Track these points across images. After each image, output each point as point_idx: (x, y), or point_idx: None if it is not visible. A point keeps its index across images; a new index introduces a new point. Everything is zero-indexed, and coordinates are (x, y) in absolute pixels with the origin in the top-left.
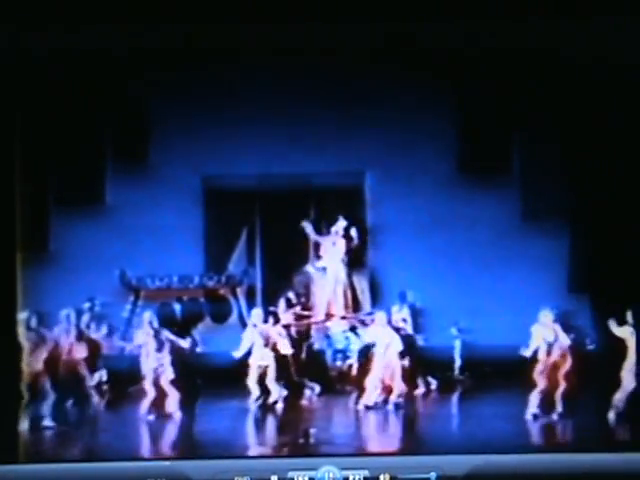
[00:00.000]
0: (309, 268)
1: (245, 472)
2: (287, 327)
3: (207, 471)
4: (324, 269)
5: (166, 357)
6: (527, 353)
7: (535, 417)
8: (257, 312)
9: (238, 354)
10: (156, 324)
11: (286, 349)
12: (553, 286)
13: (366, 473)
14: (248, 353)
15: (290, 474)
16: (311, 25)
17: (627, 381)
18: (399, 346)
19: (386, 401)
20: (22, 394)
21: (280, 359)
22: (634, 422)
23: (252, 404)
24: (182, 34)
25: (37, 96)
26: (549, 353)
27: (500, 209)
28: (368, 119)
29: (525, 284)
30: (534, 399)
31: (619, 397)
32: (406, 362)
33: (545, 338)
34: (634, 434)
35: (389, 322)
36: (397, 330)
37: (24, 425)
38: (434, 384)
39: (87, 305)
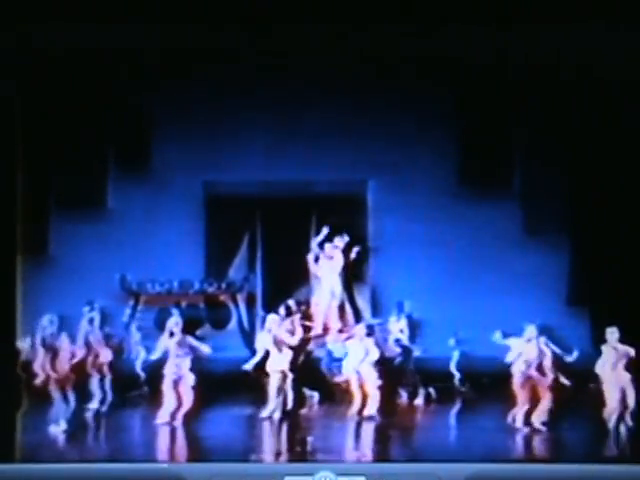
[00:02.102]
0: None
1: (241, 476)
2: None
3: (204, 474)
4: (320, 282)
5: (186, 363)
6: (519, 366)
7: (531, 429)
8: (273, 317)
9: (250, 364)
10: (178, 328)
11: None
12: (552, 301)
13: (363, 479)
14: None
15: (286, 479)
16: (316, 31)
17: (620, 395)
18: (374, 356)
19: (379, 412)
20: (21, 397)
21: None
22: (628, 435)
23: (265, 411)
24: (184, 38)
25: (39, 99)
26: (541, 366)
27: (501, 222)
28: (371, 128)
29: (524, 298)
30: (530, 411)
31: (614, 411)
32: (400, 373)
33: (532, 352)
34: (628, 447)
35: (368, 335)
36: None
37: (21, 428)
38: (432, 395)
39: (86, 309)
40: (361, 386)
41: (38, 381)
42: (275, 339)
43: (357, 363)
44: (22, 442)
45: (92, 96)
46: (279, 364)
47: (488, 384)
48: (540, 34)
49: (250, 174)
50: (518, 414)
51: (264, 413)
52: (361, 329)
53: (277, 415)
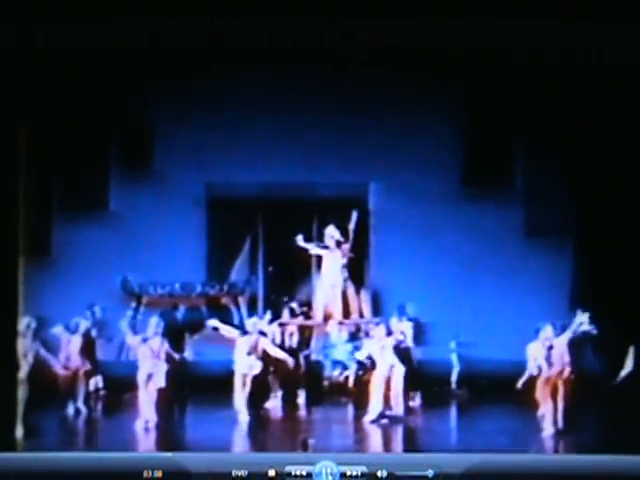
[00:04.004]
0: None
1: (243, 465)
2: (283, 325)
3: (205, 464)
4: (321, 275)
5: (162, 365)
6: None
7: (533, 432)
8: (253, 321)
9: None
10: (160, 330)
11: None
12: (555, 302)
13: (364, 469)
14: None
15: (288, 468)
16: (317, 32)
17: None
18: (401, 370)
19: (382, 414)
20: (21, 396)
21: (266, 369)
22: (629, 431)
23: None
24: (184, 39)
25: (41, 101)
26: (548, 369)
27: (503, 223)
28: (373, 130)
29: (527, 300)
30: (533, 415)
31: (618, 410)
32: (406, 377)
33: (542, 355)
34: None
35: (396, 347)
36: (398, 349)
37: (21, 429)
38: (431, 397)
39: (88, 311)
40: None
41: (38, 381)
42: (254, 345)
43: (384, 372)
44: (25, 431)
45: (94, 98)
46: (247, 368)
47: (488, 388)
48: (544, 33)
49: (252, 176)
50: (545, 416)
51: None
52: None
53: (244, 418)
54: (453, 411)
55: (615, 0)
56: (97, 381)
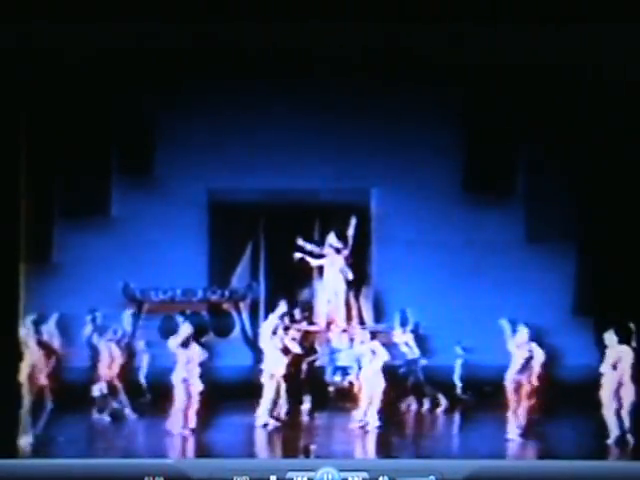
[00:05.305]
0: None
1: (244, 472)
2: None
3: (206, 470)
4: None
5: (194, 369)
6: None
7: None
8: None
9: None
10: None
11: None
12: (557, 307)
13: (365, 475)
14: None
15: (289, 474)
16: (320, 37)
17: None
18: (384, 357)
19: (383, 418)
20: (23, 401)
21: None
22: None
23: (260, 416)
24: (189, 50)
25: (43, 109)
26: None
27: (505, 229)
28: (374, 137)
29: (528, 304)
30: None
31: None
32: (406, 380)
33: (534, 358)
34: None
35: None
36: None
37: (25, 433)
38: (442, 401)
39: (89, 317)
40: (369, 391)
41: (40, 387)
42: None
43: (367, 369)
44: (28, 438)
45: (97, 106)
46: (276, 369)
47: (491, 392)
48: (543, 40)
49: (254, 182)
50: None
51: (259, 421)
52: (365, 334)
53: (271, 421)
54: (456, 417)
55: (614, 1)
56: (101, 387)
